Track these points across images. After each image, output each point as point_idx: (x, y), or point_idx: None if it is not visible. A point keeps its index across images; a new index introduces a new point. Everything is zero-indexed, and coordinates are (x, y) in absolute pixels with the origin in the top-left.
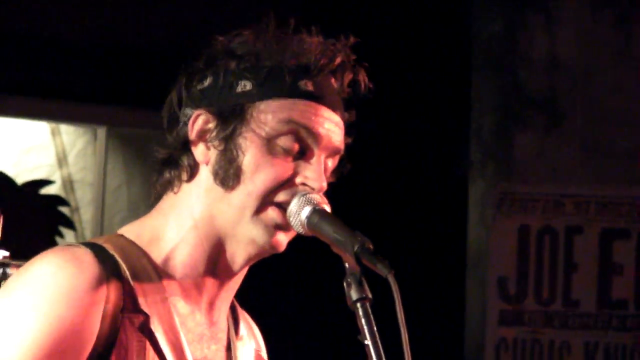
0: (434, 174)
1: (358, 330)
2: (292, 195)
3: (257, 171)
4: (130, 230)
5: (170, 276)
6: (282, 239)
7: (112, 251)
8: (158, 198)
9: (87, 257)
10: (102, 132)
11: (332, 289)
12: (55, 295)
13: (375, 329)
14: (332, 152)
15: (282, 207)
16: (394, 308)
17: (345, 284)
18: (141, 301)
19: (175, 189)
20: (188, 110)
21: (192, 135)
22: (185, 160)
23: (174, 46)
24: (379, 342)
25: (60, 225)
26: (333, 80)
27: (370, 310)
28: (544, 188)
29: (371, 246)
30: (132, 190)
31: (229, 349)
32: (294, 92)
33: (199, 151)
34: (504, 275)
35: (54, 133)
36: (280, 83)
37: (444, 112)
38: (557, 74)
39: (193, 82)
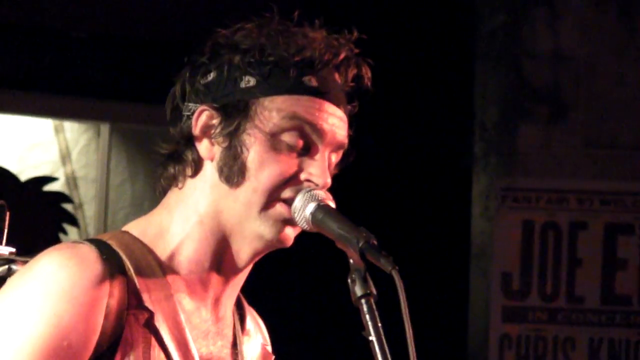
0: (438, 168)
1: (363, 326)
2: (297, 192)
3: (262, 168)
4: (135, 227)
5: (175, 272)
6: (290, 233)
7: (116, 248)
8: (163, 193)
9: (90, 254)
10: (105, 128)
11: (337, 285)
12: (56, 294)
13: (379, 325)
14: (336, 148)
15: (289, 203)
16: (399, 304)
17: (349, 280)
18: (145, 298)
19: (180, 185)
20: (192, 105)
21: (196, 130)
22: (189, 156)
23: (178, 42)
24: (383, 338)
25: (63, 222)
26: (337, 75)
27: (374, 306)
28: (547, 183)
29: (376, 242)
30: (136, 186)
31: (234, 344)
32: (298, 88)
33: (203, 147)
34: (508, 271)
35: (57, 130)
36: (285, 79)
37: (447, 105)
38: (561, 67)
39: (197, 76)
